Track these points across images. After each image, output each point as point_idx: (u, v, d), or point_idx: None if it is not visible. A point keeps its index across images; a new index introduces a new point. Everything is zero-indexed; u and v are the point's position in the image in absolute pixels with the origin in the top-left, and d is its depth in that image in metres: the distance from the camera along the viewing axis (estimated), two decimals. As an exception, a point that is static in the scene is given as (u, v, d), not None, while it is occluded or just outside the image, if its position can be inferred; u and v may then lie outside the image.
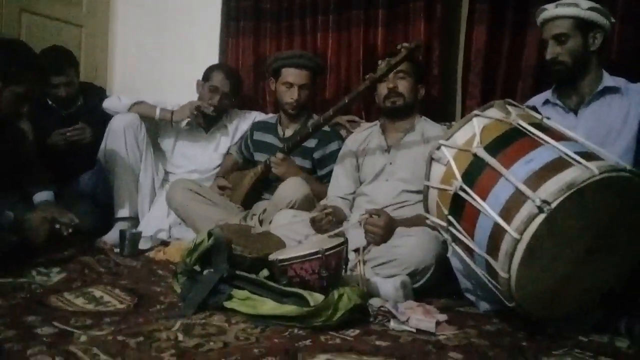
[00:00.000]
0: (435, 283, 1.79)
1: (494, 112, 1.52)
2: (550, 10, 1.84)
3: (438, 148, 1.54)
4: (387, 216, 1.90)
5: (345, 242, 1.67)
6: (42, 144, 2.49)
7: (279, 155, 2.34)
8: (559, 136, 1.41)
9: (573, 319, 1.47)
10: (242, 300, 1.52)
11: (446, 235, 1.55)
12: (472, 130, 1.49)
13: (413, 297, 1.69)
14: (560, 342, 1.39)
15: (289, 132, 2.56)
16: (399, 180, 2.15)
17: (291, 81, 2.48)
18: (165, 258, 2.22)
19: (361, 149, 2.30)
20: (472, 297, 1.68)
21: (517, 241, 1.27)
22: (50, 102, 2.67)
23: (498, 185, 1.36)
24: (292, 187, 2.20)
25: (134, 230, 2.38)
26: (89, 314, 1.48)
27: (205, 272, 1.65)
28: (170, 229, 2.57)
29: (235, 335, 1.36)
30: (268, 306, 1.48)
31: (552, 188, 1.26)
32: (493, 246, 1.35)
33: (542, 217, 1.24)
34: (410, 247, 1.77)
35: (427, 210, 1.63)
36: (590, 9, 1.80)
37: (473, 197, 1.39)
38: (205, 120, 2.69)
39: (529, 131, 1.42)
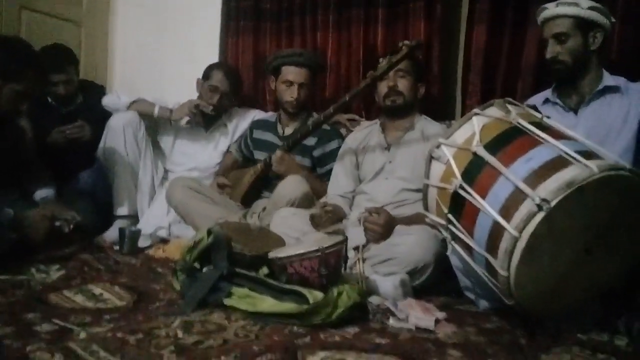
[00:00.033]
0: (434, 281, 1.79)
1: (493, 111, 1.52)
2: (550, 10, 1.84)
3: (438, 147, 1.54)
4: (386, 214, 1.90)
5: (345, 240, 1.67)
6: (42, 141, 2.49)
7: (280, 152, 2.34)
8: (558, 135, 1.42)
9: (572, 317, 1.48)
10: (242, 298, 1.52)
11: (445, 234, 1.55)
12: (472, 129, 1.49)
13: (412, 295, 1.69)
14: (559, 340, 1.40)
15: (288, 131, 2.56)
16: (399, 178, 2.15)
17: (291, 79, 2.48)
18: (165, 256, 2.22)
19: (361, 147, 2.30)
20: (471, 295, 1.68)
21: (517, 239, 1.27)
22: (49, 100, 2.66)
23: (498, 183, 1.36)
24: (292, 185, 2.20)
25: (134, 228, 2.38)
26: (89, 312, 1.48)
27: (204, 269, 1.65)
28: (169, 227, 2.56)
29: (235, 332, 1.36)
30: (267, 304, 1.48)
31: (552, 186, 1.26)
32: (492, 244, 1.35)
33: (541, 215, 1.24)
34: (410, 246, 1.78)
35: (426, 209, 1.63)
36: (591, 8, 1.80)
37: (473, 196, 1.39)
38: (205, 120, 2.69)
39: (528, 130, 1.42)
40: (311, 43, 2.86)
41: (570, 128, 1.50)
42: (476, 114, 1.52)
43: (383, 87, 2.21)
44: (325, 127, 2.45)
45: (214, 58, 3.11)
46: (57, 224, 2.06)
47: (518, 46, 2.34)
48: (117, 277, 1.88)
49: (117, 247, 2.31)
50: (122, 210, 2.56)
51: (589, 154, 1.34)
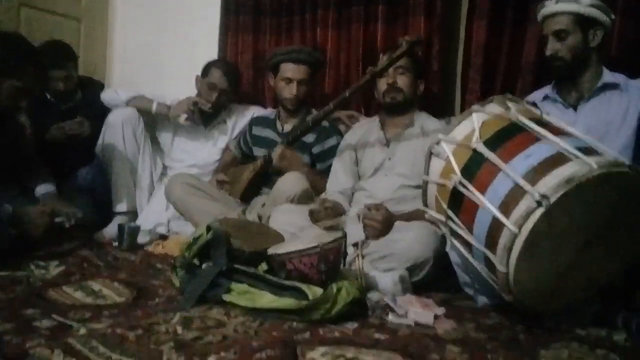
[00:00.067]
0: (433, 277, 1.79)
1: (493, 108, 1.52)
2: (550, 7, 1.84)
3: (437, 143, 1.54)
4: (385, 211, 1.90)
5: (344, 237, 1.67)
6: (41, 138, 2.49)
7: (281, 147, 2.34)
8: (558, 131, 1.42)
9: (571, 312, 1.48)
10: (241, 294, 1.52)
11: (445, 230, 1.55)
12: (472, 126, 1.49)
13: (412, 291, 1.70)
14: (558, 335, 1.40)
15: (287, 127, 2.56)
16: (398, 175, 2.15)
17: (290, 76, 2.48)
18: (164, 252, 2.22)
19: (360, 143, 2.30)
20: (470, 291, 1.69)
21: (516, 235, 1.27)
22: (49, 96, 2.66)
23: (497, 179, 1.36)
24: (291, 182, 2.20)
25: (133, 224, 2.38)
26: (88, 307, 1.48)
27: (204, 265, 1.65)
28: (168, 223, 2.56)
29: (234, 328, 1.36)
30: (267, 299, 1.48)
31: (551, 182, 1.26)
32: (491, 240, 1.35)
33: (540, 211, 1.25)
34: (409, 242, 1.78)
35: (426, 205, 1.63)
36: (591, 5, 1.80)
37: (472, 192, 1.39)
38: (203, 117, 2.68)
39: (528, 126, 1.42)
40: (311, 40, 2.85)
41: (569, 125, 1.50)
42: (476, 110, 1.52)
43: (383, 84, 2.21)
44: (324, 124, 2.45)
45: (214, 55, 3.10)
46: (58, 220, 2.06)
47: (518, 43, 2.34)
48: (116, 273, 1.88)
49: (116, 244, 2.31)
50: (121, 207, 2.56)
51: (588, 151, 1.34)
